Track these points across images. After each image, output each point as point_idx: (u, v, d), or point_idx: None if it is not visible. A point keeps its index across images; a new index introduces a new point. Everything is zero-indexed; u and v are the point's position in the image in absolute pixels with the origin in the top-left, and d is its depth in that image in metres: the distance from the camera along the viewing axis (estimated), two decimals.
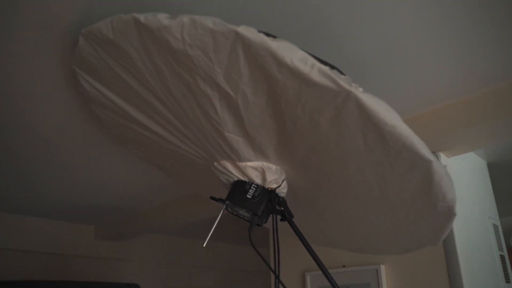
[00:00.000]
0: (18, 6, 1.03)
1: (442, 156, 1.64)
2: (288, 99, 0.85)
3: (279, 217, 1.13)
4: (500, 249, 1.88)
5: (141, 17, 0.84)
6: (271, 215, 1.12)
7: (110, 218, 3.02)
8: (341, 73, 0.80)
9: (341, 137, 0.90)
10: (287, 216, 1.11)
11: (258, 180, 1.10)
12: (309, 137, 0.95)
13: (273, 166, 1.10)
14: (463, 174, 1.82)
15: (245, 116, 0.95)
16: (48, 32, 1.12)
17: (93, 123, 1.59)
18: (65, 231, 3.08)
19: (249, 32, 0.76)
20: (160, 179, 2.08)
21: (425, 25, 1.09)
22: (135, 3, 1.01)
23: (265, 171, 1.09)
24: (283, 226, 1.12)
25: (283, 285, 1.06)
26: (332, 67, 0.78)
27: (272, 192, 1.10)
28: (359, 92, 0.77)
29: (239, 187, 1.10)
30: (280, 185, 1.11)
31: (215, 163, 1.14)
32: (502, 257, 1.86)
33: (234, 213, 1.11)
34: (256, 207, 1.06)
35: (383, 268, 1.77)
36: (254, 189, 1.09)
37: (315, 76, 0.76)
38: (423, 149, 0.85)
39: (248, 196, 1.08)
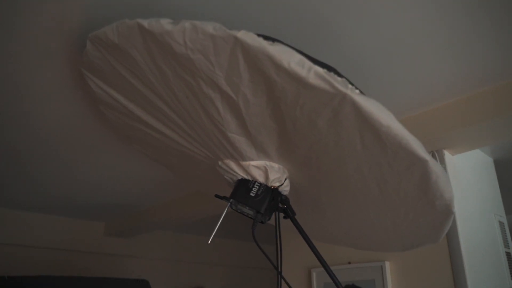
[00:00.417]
0: (19, 8, 1.06)
1: (447, 153, 1.63)
2: (287, 101, 0.87)
3: (282, 214, 1.15)
4: (506, 246, 1.87)
5: (145, 23, 0.86)
6: (274, 213, 1.14)
7: (119, 215, 3.06)
8: (339, 74, 0.81)
9: (339, 137, 0.91)
10: (289, 213, 1.12)
11: (261, 178, 1.11)
12: (308, 137, 0.96)
13: (276, 165, 1.12)
14: (467, 172, 1.81)
15: (247, 117, 0.97)
16: (55, 34, 1.15)
17: (100, 123, 1.61)
18: (76, 228, 3.14)
19: (248, 37, 0.78)
20: (167, 176, 2.10)
21: (425, 25, 1.09)
22: (138, 3, 1.03)
23: (268, 170, 1.10)
24: (287, 223, 1.13)
25: (285, 281, 1.08)
26: (330, 69, 0.80)
27: (275, 190, 1.12)
28: (355, 94, 0.78)
29: (243, 185, 1.11)
30: (282, 184, 1.13)
31: (220, 162, 1.16)
32: (508, 254, 1.84)
33: (238, 210, 1.12)
34: (259, 205, 1.08)
35: (387, 264, 1.77)
36: (257, 187, 1.10)
37: (312, 79, 0.77)
38: (419, 148, 0.86)
39: (251, 194, 1.09)
